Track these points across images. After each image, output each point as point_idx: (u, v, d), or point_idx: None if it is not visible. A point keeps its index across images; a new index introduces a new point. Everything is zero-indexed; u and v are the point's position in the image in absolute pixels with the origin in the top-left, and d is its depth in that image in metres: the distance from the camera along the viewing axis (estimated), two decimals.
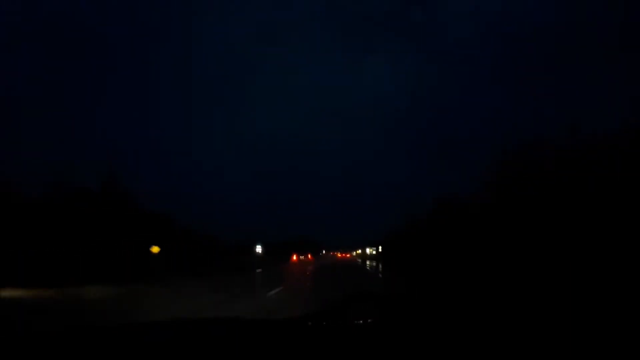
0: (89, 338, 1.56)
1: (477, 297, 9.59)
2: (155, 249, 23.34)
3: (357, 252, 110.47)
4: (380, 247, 57.26)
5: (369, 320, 1.82)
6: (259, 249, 47.60)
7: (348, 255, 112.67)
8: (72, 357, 1.35)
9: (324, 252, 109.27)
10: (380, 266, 36.33)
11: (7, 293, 9.79)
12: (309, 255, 77.63)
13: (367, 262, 48.41)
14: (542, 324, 1.78)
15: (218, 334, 1.59)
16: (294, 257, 58.28)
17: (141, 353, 1.37)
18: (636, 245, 9.79)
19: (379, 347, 1.40)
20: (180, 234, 30.82)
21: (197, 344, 1.42)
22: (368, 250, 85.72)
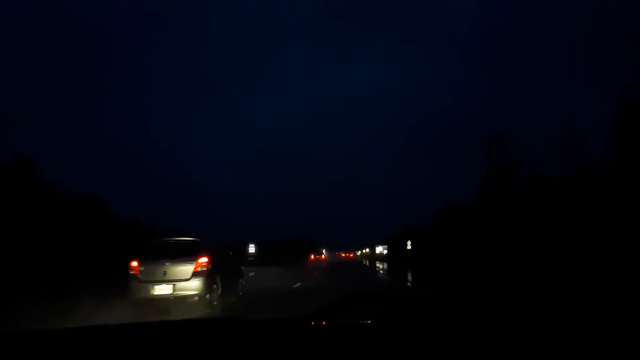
0: (87, 337, 1.59)
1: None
2: None
3: (364, 251, 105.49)
4: (409, 243, 40.63)
5: (369, 321, 1.81)
6: (252, 248, 45.53)
7: (351, 255, 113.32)
8: (71, 357, 1.39)
9: (324, 252, 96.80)
10: (409, 274, 23.34)
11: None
12: (322, 256, 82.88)
13: (379, 266, 39.80)
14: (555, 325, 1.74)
15: (217, 335, 1.60)
16: (312, 257, 69.30)
17: (138, 353, 1.42)
18: None
19: (379, 348, 1.41)
20: (118, 225, 24.99)
21: (196, 344, 1.45)
22: (379, 249, 75.68)
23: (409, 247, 40.75)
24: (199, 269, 8.78)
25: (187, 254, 8.92)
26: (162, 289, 8.61)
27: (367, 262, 52.14)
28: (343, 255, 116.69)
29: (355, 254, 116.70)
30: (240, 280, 11.67)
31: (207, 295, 8.85)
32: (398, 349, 1.39)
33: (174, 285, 8.62)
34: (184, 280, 8.66)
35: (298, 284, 16.69)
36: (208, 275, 8.89)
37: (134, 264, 8.86)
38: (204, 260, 8.91)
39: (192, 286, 8.67)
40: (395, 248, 55.72)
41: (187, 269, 8.74)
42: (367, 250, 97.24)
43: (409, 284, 18.08)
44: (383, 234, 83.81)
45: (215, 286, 9.14)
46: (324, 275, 23.75)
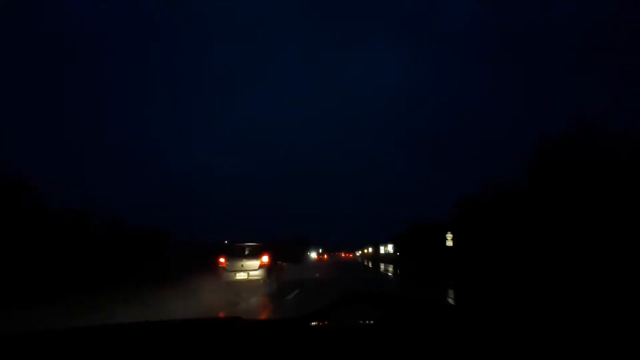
0: (87, 337, 1.64)
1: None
2: None
3: (366, 251, 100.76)
4: (449, 237, 27.09)
5: (369, 321, 1.84)
6: None
7: (350, 256, 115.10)
8: (70, 357, 1.43)
9: (320, 251, 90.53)
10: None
11: None
12: (325, 256, 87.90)
13: (385, 268, 34.77)
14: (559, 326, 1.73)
15: (218, 334, 1.65)
16: (316, 257, 70.61)
17: (138, 353, 1.46)
18: None
19: (379, 348, 1.44)
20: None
21: (196, 344, 1.50)
22: (385, 248, 67.62)
23: (449, 242, 26.96)
24: (262, 263, 14.08)
25: (255, 253, 14.23)
26: (240, 275, 13.91)
27: (370, 264, 49.04)
28: (343, 255, 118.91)
29: (354, 254, 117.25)
30: (283, 270, 17.14)
31: (268, 280, 14.14)
32: (398, 350, 1.42)
33: (248, 273, 13.92)
34: (254, 270, 13.96)
35: (317, 274, 22.19)
36: (268, 267, 14.19)
37: (222, 260, 14.16)
38: (265, 257, 14.21)
39: (259, 274, 13.97)
40: (406, 247, 46.92)
41: (256, 263, 14.04)
42: (370, 249, 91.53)
43: (451, 300, 11.34)
44: (382, 233, 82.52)
45: (271, 274, 14.46)
46: (334, 271, 28.95)
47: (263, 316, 9.74)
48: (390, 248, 66.13)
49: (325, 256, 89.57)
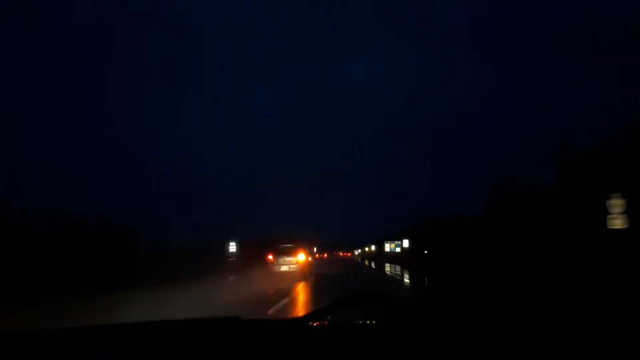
0: (87, 337, 1.66)
1: None
2: None
3: (367, 249, 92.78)
4: (617, 199, 11.02)
5: (370, 321, 1.86)
6: (232, 247, 40.54)
7: (349, 254, 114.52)
8: (70, 357, 1.46)
9: (315, 250, 75.60)
10: None
11: None
12: (325, 254, 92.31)
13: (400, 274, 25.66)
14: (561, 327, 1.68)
15: (217, 334, 1.67)
16: (316, 255, 72.52)
17: (138, 353, 1.49)
18: None
19: (380, 348, 1.46)
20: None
21: (196, 344, 1.53)
22: (402, 244, 56.07)
23: (618, 221, 11.05)
24: (299, 259, 19.76)
25: (294, 251, 19.93)
26: (283, 268, 19.61)
27: (373, 264, 43.15)
28: (341, 254, 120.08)
29: (353, 253, 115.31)
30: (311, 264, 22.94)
31: (303, 271, 19.82)
32: (398, 350, 1.44)
33: (289, 266, 19.60)
34: (293, 264, 19.64)
35: (326, 270, 27.72)
36: (303, 262, 19.87)
37: (270, 257, 19.89)
38: (302, 254, 19.93)
39: (296, 267, 19.66)
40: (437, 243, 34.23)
41: (294, 259, 19.71)
42: (373, 247, 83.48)
43: None
44: (384, 230, 75.67)
45: (304, 266, 20.16)
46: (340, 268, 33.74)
47: (297, 292, 14.41)
48: (404, 244, 54.15)
49: (326, 255, 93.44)
